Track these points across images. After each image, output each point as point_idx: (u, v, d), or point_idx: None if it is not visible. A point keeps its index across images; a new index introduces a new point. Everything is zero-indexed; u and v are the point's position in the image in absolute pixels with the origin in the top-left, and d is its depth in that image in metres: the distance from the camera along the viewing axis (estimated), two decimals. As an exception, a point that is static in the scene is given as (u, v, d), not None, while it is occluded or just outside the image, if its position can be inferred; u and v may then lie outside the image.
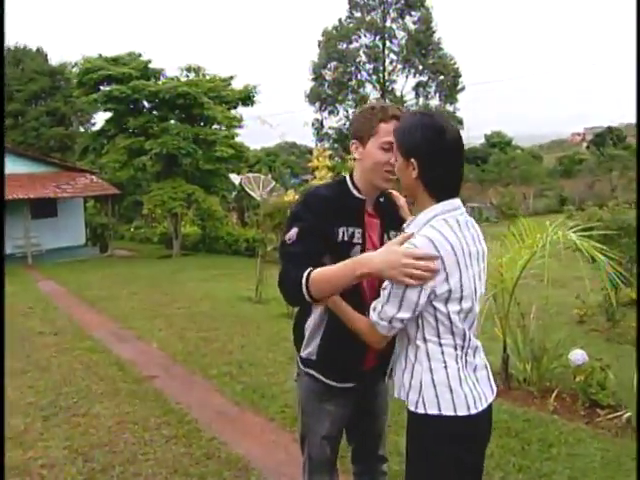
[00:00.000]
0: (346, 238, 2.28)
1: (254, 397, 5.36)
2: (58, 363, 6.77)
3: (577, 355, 5.12)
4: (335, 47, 44.72)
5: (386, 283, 1.94)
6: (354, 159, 2.38)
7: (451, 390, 1.95)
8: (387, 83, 46.98)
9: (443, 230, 1.91)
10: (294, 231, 2.22)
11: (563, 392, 5.15)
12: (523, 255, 5.18)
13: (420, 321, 1.96)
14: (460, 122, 47.96)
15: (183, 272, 16.11)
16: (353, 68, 45.88)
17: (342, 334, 2.20)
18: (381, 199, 2.42)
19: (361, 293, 2.25)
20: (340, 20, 45.32)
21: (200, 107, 20.85)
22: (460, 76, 45.02)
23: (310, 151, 46.38)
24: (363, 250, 2.27)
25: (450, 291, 1.91)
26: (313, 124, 44.72)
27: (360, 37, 45.63)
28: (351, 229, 2.30)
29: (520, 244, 5.16)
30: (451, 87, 45.10)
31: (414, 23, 44.77)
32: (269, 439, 4.45)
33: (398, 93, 46.71)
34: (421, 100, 46.07)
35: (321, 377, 2.43)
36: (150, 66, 22.25)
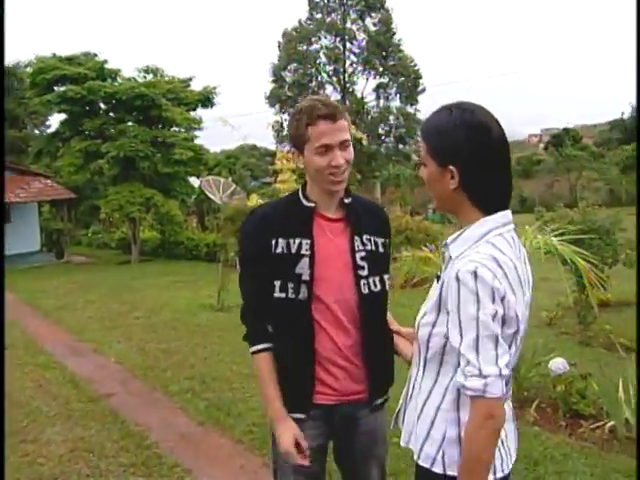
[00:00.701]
0: (292, 250, 2.06)
1: (219, 416, 5.03)
2: (7, 382, 6.32)
3: (558, 364, 4.93)
4: (295, 48, 44.55)
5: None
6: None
7: (460, 443, 1.60)
8: (347, 85, 47.02)
9: (504, 248, 1.58)
10: (237, 260, 2.17)
11: (542, 402, 4.96)
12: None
13: (449, 358, 1.62)
14: (420, 123, 48.18)
15: (142, 279, 15.64)
16: (313, 70, 45.79)
17: (287, 354, 2.07)
18: (346, 200, 2.16)
19: (335, 319, 2.08)
20: (300, 21, 45.18)
21: (158, 109, 20.36)
22: (420, 77, 45.29)
23: (271, 154, 46.32)
24: (312, 262, 2.06)
25: (509, 319, 1.57)
26: (273, 126, 44.49)
27: (320, 38, 45.59)
28: (297, 240, 2.08)
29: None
30: (412, 88, 45.33)
31: (374, 25, 44.90)
32: (237, 464, 4.12)
33: (359, 94, 46.80)
34: (382, 102, 46.25)
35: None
36: (106, 66, 21.58)
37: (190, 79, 22.77)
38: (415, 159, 44.81)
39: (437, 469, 1.61)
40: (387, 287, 2.18)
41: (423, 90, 45.78)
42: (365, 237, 2.14)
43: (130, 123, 21.02)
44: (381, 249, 2.19)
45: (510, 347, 1.57)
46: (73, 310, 10.98)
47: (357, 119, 41.31)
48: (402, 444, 1.76)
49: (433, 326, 1.64)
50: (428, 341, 1.66)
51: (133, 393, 5.87)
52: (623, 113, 50.99)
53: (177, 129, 21.99)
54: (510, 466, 1.68)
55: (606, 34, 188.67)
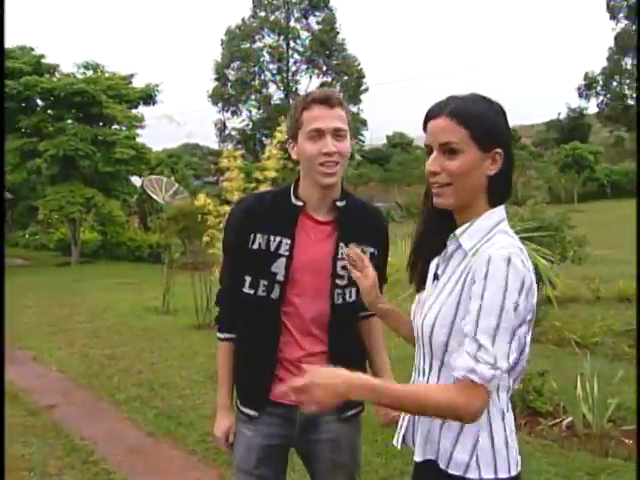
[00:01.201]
0: (271, 248, 1.98)
1: (170, 425, 4.79)
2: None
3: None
4: (238, 46, 44.23)
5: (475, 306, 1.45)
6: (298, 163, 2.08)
7: (507, 445, 1.57)
8: (291, 84, 46.99)
9: (517, 240, 1.56)
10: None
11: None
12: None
13: None
14: (364, 123, 48.62)
15: (83, 281, 15.13)
16: (256, 68, 45.59)
17: (249, 350, 2.05)
18: (339, 203, 2.03)
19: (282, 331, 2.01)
20: (243, 19, 44.95)
21: (99, 106, 19.82)
22: (364, 77, 45.69)
23: (213, 152, 45.83)
24: (289, 264, 1.97)
25: (532, 307, 1.51)
26: (216, 124, 44.07)
27: (264, 37, 45.48)
28: (278, 238, 1.99)
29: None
30: (355, 88, 45.62)
31: (318, 23, 45.04)
32: (191, 477, 3.90)
33: (302, 93, 46.68)
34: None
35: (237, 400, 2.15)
36: (44, 61, 20.90)
37: (132, 76, 22.25)
38: (359, 158, 45.05)
39: (472, 475, 1.55)
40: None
41: (366, 89, 46.15)
42: (352, 245, 1.97)
43: (69, 121, 20.43)
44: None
45: (526, 337, 1.54)
46: (9, 315, 10.47)
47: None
48: (417, 459, 1.64)
49: (451, 327, 1.54)
50: (446, 343, 1.55)
51: (77, 404, 5.55)
52: (559, 113, 52.60)
53: (118, 127, 21.47)
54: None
55: (542, 36, 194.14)
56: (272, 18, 44.74)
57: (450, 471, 1.56)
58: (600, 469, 3.78)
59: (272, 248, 1.97)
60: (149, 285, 12.94)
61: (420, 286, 1.72)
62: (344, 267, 1.96)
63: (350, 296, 2.02)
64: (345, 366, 1.90)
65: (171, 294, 10.07)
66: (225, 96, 45.05)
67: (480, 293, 1.44)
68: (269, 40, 45.52)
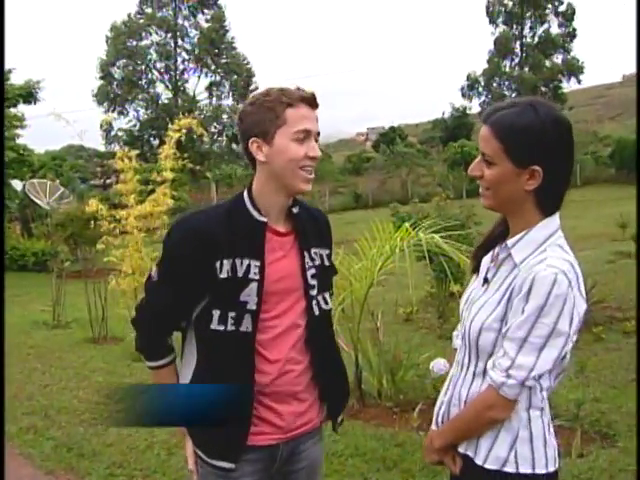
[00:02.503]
0: (239, 273, 1.76)
1: (71, 458, 4.26)
2: None
3: (439, 365, 4.72)
4: (124, 44, 42.82)
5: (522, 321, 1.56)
6: (252, 165, 1.86)
7: (545, 441, 1.65)
8: (179, 82, 46.05)
9: (570, 251, 1.61)
10: (155, 270, 1.87)
11: (424, 405, 4.78)
12: (377, 261, 4.76)
13: None
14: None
15: (-40, 295, 13.91)
16: (144, 66, 44.30)
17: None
18: (294, 209, 1.89)
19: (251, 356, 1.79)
20: (129, 15, 43.44)
21: (-28, 104, 18.43)
22: (254, 76, 45.50)
23: (99, 154, 44.05)
24: (261, 288, 1.77)
25: (577, 323, 1.60)
26: (102, 125, 42.42)
27: (151, 34, 44.23)
28: (246, 262, 1.77)
29: (379, 249, 4.70)
30: (245, 87, 45.29)
31: (207, 21, 44.35)
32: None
33: (191, 93, 46.01)
34: (214, 100, 45.78)
35: (196, 450, 1.87)
36: None
37: (9, 71, 20.78)
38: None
39: (509, 469, 1.63)
40: (331, 303, 2.01)
41: (256, 89, 45.88)
42: (313, 251, 1.91)
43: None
44: (327, 262, 1.97)
45: (564, 357, 1.63)
46: None
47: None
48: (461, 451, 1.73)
49: (499, 332, 1.61)
50: (494, 345, 1.63)
51: (-42, 439, 4.91)
52: (444, 112, 54.38)
53: (-4, 127, 20.08)
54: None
55: (427, 38, 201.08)
56: (159, 15, 43.62)
57: (487, 466, 1.64)
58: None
59: (240, 274, 1.77)
60: (36, 296, 12.11)
61: (474, 272, 1.80)
62: (313, 276, 1.88)
63: (325, 302, 1.94)
64: (331, 374, 1.96)
65: (62, 306, 9.41)
66: (111, 95, 43.49)
67: (520, 309, 1.54)
68: (156, 38, 44.40)
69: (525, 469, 1.62)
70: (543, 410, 1.66)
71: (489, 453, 1.65)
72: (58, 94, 46.89)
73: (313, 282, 1.89)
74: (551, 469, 1.65)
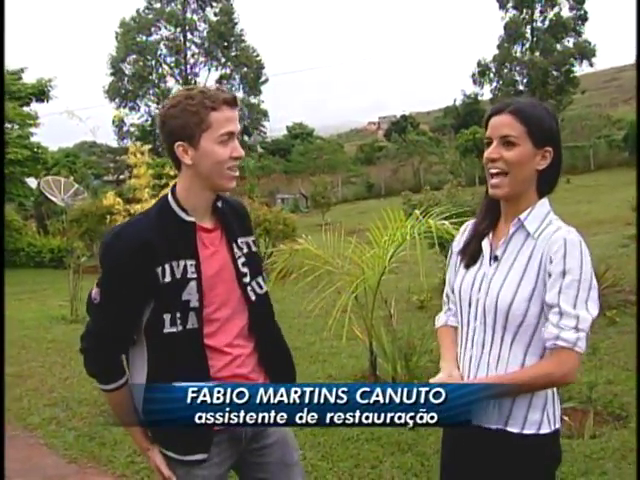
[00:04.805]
0: (177, 276, 1.85)
1: (93, 447, 4.38)
2: None
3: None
4: (134, 39, 42.91)
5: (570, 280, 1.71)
6: (176, 167, 1.93)
7: (554, 399, 1.83)
8: (190, 76, 46.07)
9: None
10: (95, 291, 1.89)
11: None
12: (389, 249, 4.81)
13: (540, 333, 1.75)
14: (265, 114, 48.32)
15: (-21, 293, 14.11)
16: (154, 61, 44.37)
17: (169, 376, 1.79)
18: (219, 203, 1.98)
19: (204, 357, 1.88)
20: (138, 11, 43.49)
21: (-15, 104, 18.57)
22: (263, 68, 45.40)
23: (112, 150, 44.31)
24: (200, 284, 1.87)
25: None
26: (114, 121, 42.64)
27: (160, 29, 44.28)
28: (182, 263, 1.86)
29: (390, 237, 4.74)
30: (255, 79, 45.25)
31: (215, 14, 44.28)
32: (123, 506, 3.57)
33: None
34: (225, 93, 45.80)
35: (166, 452, 1.93)
36: None
37: (22, 70, 20.95)
38: (260, 150, 44.71)
39: (545, 430, 1.78)
40: (265, 286, 2.09)
41: (266, 80, 45.86)
42: (240, 241, 2.00)
43: (-45, 120, 19.04)
44: (253, 248, 2.07)
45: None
46: None
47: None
48: (492, 427, 1.78)
49: (530, 301, 1.74)
50: (524, 316, 1.75)
51: (-18, 431, 5.04)
52: (455, 100, 54.09)
53: (10, 126, 20.16)
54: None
55: (437, 25, 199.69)
56: (168, 9, 43.64)
57: (525, 431, 1.76)
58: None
59: (178, 275, 1.85)
60: (54, 292, 12.23)
61: (470, 264, 1.89)
62: (244, 264, 1.97)
63: (260, 287, 2.02)
64: (276, 356, 2.05)
65: (79, 301, 9.41)
66: (122, 91, 43.64)
67: (561, 270, 1.70)
68: (165, 32, 44.45)
69: (554, 426, 1.79)
70: None
71: (526, 420, 1.76)
72: (70, 92, 47.16)
73: (245, 270, 1.97)
74: (558, 425, 1.83)
